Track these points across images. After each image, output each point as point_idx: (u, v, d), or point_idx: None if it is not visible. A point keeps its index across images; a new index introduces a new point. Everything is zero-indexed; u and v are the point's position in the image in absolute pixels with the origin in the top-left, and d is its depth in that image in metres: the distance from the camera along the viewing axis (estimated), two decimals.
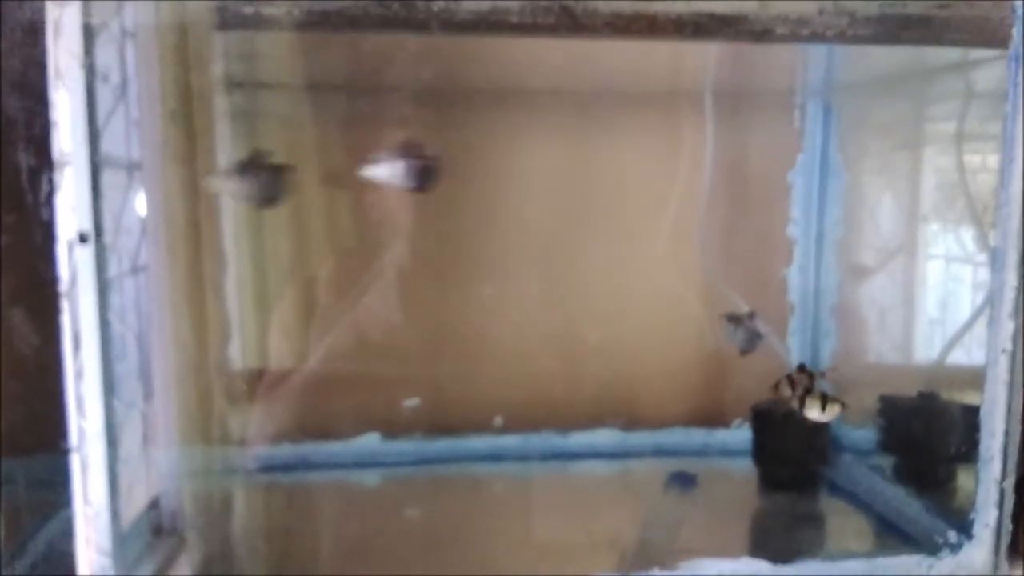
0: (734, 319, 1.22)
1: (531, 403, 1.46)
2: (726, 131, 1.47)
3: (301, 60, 1.20)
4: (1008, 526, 1.07)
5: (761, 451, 1.41)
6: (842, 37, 0.99)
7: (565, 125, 1.48)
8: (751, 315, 1.22)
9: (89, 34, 0.85)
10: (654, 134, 1.50)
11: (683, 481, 1.39)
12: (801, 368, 1.17)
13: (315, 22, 0.93)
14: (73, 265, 0.86)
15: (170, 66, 1.05)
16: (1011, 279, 1.03)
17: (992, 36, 1.00)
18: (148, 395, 1.11)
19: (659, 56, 1.35)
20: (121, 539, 0.92)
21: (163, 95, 1.05)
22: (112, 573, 0.90)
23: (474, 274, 1.46)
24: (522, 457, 1.49)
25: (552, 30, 0.94)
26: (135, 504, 1.06)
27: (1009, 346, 1.04)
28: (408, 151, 1.09)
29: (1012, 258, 1.02)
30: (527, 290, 1.47)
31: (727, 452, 1.52)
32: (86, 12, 0.84)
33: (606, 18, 0.95)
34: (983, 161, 1.26)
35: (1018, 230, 1.02)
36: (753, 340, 1.21)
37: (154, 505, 1.12)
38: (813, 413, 1.12)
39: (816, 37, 0.99)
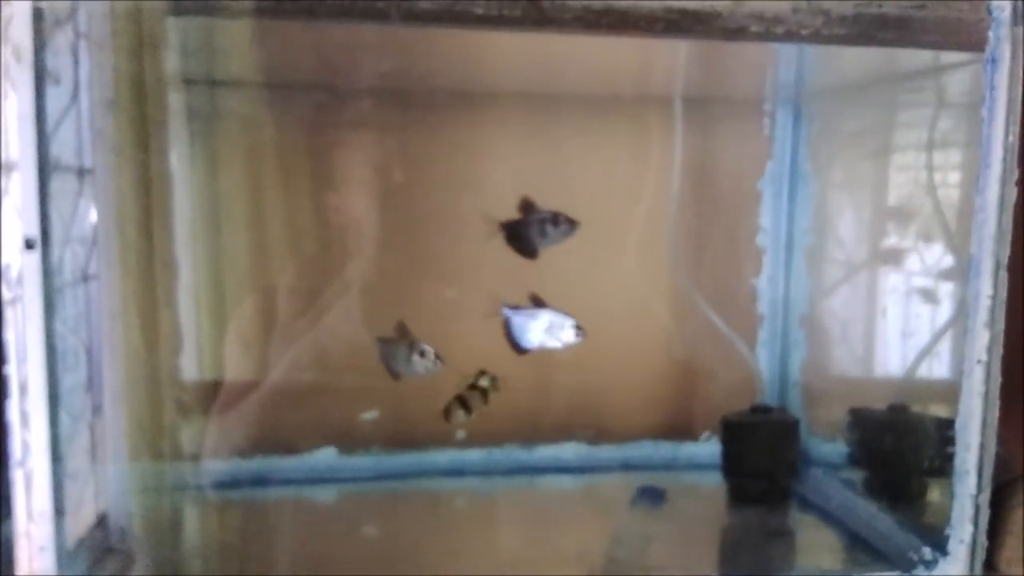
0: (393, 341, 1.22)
1: (495, 416, 1.44)
2: (696, 138, 1.46)
3: (259, 57, 1.18)
4: (983, 542, 1.05)
5: (730, 464, 1.40)
6: (817, 36, 0.98)
7: (533, 129, 1.46)
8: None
9: (40, 31, 0.84)
10: (624, 141, 1.49)
11: (651, 495, 1.38)
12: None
13: (270, 10, 0.91)
14: (19, 272, 0.83)
15: (122, 57, 1.02)
16: (986, 287, 1.01)
17: (968, 39, 0.99)
18: (97, 408, 1.07)
19: (629, 61, 1.34)
20: (66, 557, 0.90)
21: (115, 88, 1.03)
22: None
23: (436, 282, 1.43)
24: (486, 472, 1.46)
25: (518, 23, 0.92)
26: (81, 521, 1.02)
27: (984, 356, 1.02)
28: None
29: (987, 266, 1.01)
30: (491, 298, 1.45)
31: (696, 465, 1.50)
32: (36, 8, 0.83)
33: (575, 12, 0.93)
34: (951, 167, 1.25)
35: (993, 237, 1.00)
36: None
37: (101, 522, 1.08)
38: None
39: (790, 36, 0.98)
